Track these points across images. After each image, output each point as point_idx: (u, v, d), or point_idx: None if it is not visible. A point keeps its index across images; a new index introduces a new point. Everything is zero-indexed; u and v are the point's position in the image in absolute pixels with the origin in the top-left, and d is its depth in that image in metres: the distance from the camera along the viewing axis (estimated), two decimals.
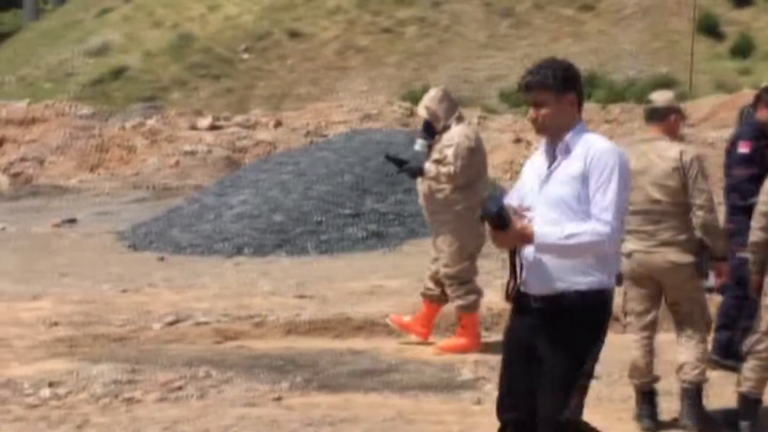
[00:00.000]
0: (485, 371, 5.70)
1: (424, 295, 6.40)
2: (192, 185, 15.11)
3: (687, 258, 4.66)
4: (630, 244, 4.70)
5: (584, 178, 3.31)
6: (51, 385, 5.40)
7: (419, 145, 6.29)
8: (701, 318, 4.79)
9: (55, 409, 5.11)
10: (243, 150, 17.79)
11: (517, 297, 3.41)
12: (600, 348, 3.41)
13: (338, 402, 5.24)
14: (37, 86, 29.08)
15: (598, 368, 5.60)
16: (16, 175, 17.36)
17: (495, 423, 4.86)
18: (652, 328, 4.81)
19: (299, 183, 11.23)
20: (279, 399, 5.30)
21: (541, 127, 3.42)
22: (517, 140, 17.50)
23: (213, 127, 19.15)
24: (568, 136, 3.38)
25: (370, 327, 6.81)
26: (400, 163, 6.29)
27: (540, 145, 3.53)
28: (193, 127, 19.16)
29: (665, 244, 4.65)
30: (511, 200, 3.45)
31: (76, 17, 33.79)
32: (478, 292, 6.23)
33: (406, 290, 7.85)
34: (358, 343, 6.52)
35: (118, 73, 27.77)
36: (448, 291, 6.24)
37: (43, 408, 5.13)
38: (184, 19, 30.52)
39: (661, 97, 4.91)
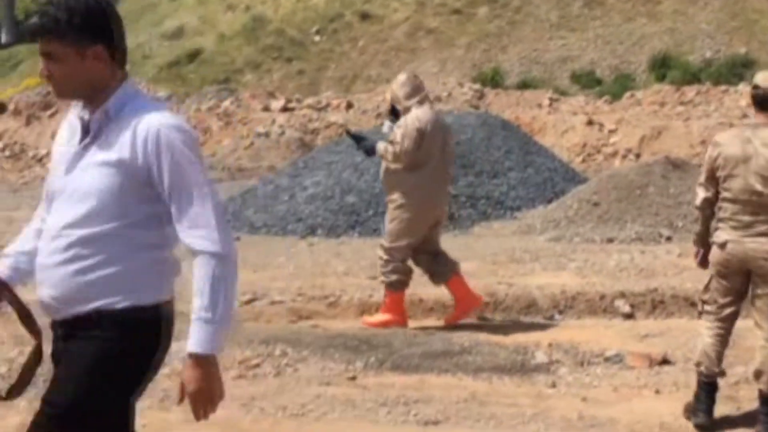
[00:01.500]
0: (560, 354, 5.70)
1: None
2: (265, 167, 15.33)
3: None
4: (724, 234, 4.53)
5: (131, 166, 2.52)
6: None
7: (386, 126, 6.55)
8: None
9: None
10: (314, 132, 17.96)
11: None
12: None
13: (412, 382, 5.30)
14: None
15: (676, 353, 5.60)
16: None
17: (570, 407, 4.89)
18: (730, 321, 4.68)
19: (372, 165, 11.29)
20: (353, 378, 5.39)
21: (56, 90, 2.59)
22: (590, 122, 17.29)
23: (285, 109, 19.36)
24: (109, 104, 2.56)
25: (442, 308, 6.86)
26: (358, 141, 6.51)
27: (71, 111, 2.69)
28: (266, 109, 19.40)
29: (763, 234, 4.45)
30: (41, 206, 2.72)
31: (153, 0, 34.41)
32: (404, 273, 6.30)
33: (479, 272, 7.87)
34: (430, 324, 6.58)
35: (193, 55, 28.21)
36: (378, 263, 6.39)
37: None
38: (257, 1, 30.81)
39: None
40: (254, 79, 26.66)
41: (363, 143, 6.45)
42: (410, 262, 6.43)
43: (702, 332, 4.73)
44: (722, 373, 4.72)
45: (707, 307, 4.72)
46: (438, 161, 6.24)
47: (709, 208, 4.65)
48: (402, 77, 6.39)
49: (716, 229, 4.64)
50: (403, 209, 6.22)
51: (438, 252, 6.46)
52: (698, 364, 4.71)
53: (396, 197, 6.25)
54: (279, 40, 28.44)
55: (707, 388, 4.67)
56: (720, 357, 4.68)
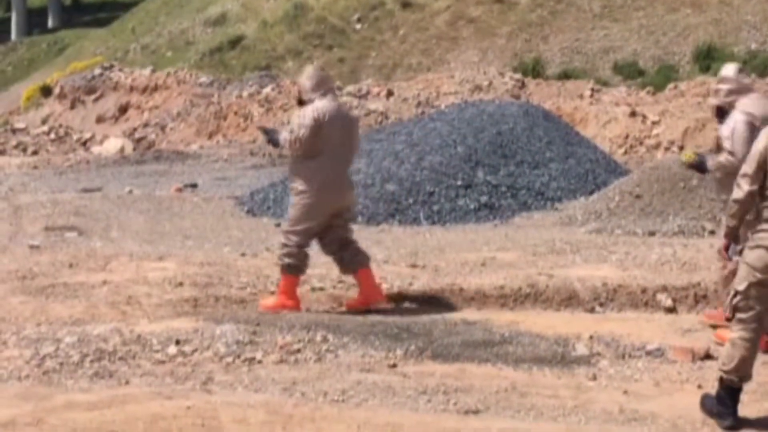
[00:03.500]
0: (601, 347, 5.68)
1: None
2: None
3: None
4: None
5: None
6: (177, 342, 5.65)
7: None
8: None
9: (182, 366, 5.35)
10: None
11: None
12: None
13: (452, 371, 5.32)
14: (159, 54, 29.98)
15: (719, 348, 5.52)
16: (139, 140, 18.03)
17: (611, 400, 4.88)
18: (762, 327, 4.58)
19: (412, 153, 11.30)
20: (394, 366, 5.41)
21: None
22: (633, 114, 17.12)
23: None
24: None
25: (482, 298, 6.86)
26: (267, 134, 6.86)
27: None
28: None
29: None
30: None
31: None
32: (299, 259, 6.49)
33: (519, 263, 7.86)
34: (470, 313, 6.59)
35: (235, 42, 28.34)
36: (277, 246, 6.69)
37: (170, 364, 5.38)
38: None
39: None
40: (295, 66, 26.71)
41: (270, 136, 6.78)
42: (321, 251, 6.73)
43: (732, 337, 4.61)
44: (749, 378, 4.64)
45: (740, 315, 4.57)
46: (338, 151, 6.46)
47: (751, 202, 4.51)
48: (309, 70, 6.76)
49: (759, 231, 4.47)
50: (302, 195, 6.47)
51: (348, 242, 6.63)
52: (728, 371, 4.61)
53: (296, 184, 6.53)
54: (320, 27, 28.47)
55: (734, 393, 4.60)
56: (751, 363, 4.60)
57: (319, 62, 27.49)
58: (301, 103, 6.60)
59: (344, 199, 6.60)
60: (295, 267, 6.52)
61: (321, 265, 7.86)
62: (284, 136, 6.53)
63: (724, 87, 5.77)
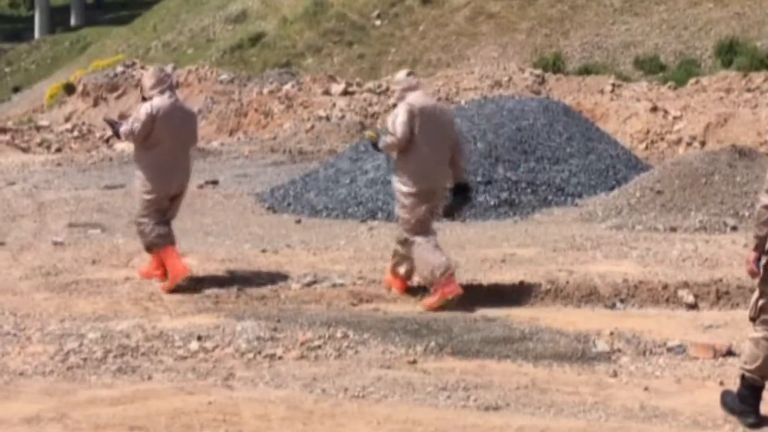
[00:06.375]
0: (621, 344, 5.67)
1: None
2: (326, 150, 15.42)
3: None
4: None
5: None
6: (199, 338, 5.69)
7: None
8: None
9: (203, 362, 5.40)
10: (375, 116, 17.99)
11: None
12: None
13: (472, 368, 5.32)
14: (180, 51, 30.11)
15: (741, 345, 5.50)
16: None
17: (632, 396, 4.87)
18: None
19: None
20: (414, 362, 5.43)
21: None
22: (654, 109, 17.02)
23: (346, 93, 19.42)
24: None
25: (502, 295, 6.86)
26: (111, 125, 7.49)
27: None
28: (327, 93, 19.48)
29: None
30: None
31: None
32: (159, 231, 7.06)
33: (539, 259, 7.85)
34: (490, 310, 6.58)
35: (255, 39, 28.41)
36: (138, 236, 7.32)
37: (192, 360, 5.43)
38: None
39: None
40: (315, 63, 26.77)
41: (114, 128, 7.39)
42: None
43: (756, 337, 4.58)
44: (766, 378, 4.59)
45: (765, 316, 4.53)
46: (172, 142, 7.07)
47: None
48: (150, 70, 7.60)
49: None
50: (142, 184, 7.16)
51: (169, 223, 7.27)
52: (750, 370, 4.58)
53: (137, 173, 7.26)
54: (340, 24, 28.49)
55: (756, 392, 4.58)
56: None
57: (340, 59, 27.56)
58: (144, 99, 7.22)
59: (179, 186, 7.26)
60: (161, 237, 7.10)
61: (342, 262, 7.90)
62: (123, 128, 7.18)
63: (398, 88, 6.97)
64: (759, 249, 4.51)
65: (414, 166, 6.65)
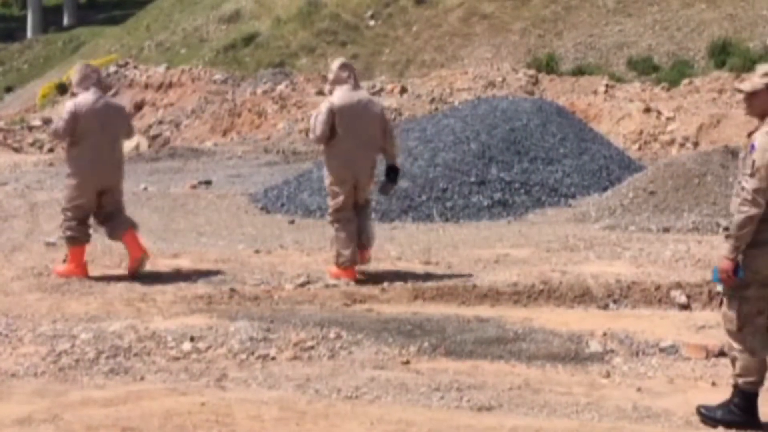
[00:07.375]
0: (614, 344, 5.67)
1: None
2: (319, 150, 15.40)
3: None
4: None
5: None
6: (192, 339, 5.68)
7: None
8: None
9: (196, 363, 5.38)
10: None
11: None
12: None
13: (465, 368, 5.32)
14: (174, 52, 30.08)
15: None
16: (154, 137, 18.09)
17: (625, 397, 4.88)
18: None
19: (425, 150, 11.30)
20: (407, 363, 5.42)
21: None
22: (647, 110, 17.04)
23: None
24: None
25: (495, 295, 6.86)
26: (47, 124, 7.87)
27: None
28: (321, 93, 19.46)
29: None
30: None
31: None
32: (79, 231, 7.25)
33: (532, 259, 7.85)
34: (483, 310, 6.58)
35: (249, 39, 28.41)
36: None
37: (185, 361, 5.41)
38: None
39: None
40: (309, 63, 26.76)
41: (49, 126, 7.84)
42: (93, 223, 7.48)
43: (745, 347, 4.51)
44: (762, 383, 4.58)
45: (750, 326, 4.47)
46: (96, 138, 7.20)
47: (753, 225, 4.31)
48: (78, 67, 7.63)
49: None
50: (70, 177, 7.31)
51: (117, 212, 7.41)
52: (750, 382, 4.53)
53: (66, 167, 7.43)
54: (334, 24, 28.48)
55: (751, 398, 4.54)
56: (765, 369, 4.52)
57: (333, 59, 27.58)
58: (73, 95, 7.41)
59: (107, 180, 7.33)
60: (76, 239, 7.28)
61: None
62: (50, 127, 7.44)
63: (329, 79, 7.21)
64: (735, 257, 4.42)
65: (336, 159, 7.15)
